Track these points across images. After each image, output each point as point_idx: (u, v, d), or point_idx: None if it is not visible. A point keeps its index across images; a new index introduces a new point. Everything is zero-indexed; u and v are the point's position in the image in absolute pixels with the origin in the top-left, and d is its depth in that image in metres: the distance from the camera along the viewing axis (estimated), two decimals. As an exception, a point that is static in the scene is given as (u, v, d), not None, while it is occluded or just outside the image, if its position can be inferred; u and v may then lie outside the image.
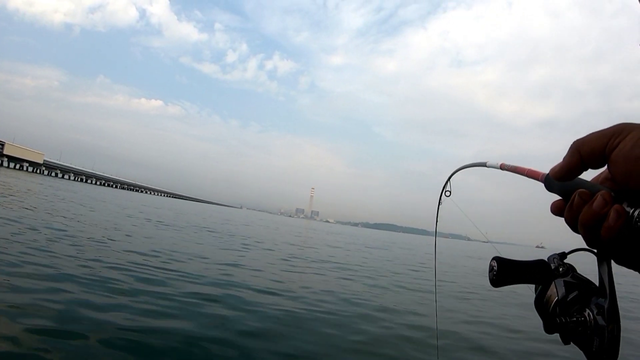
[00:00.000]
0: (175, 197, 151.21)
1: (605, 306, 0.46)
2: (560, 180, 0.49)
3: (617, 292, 0.47)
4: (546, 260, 0.56)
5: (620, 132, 0.43)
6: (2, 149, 68.43)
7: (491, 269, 0.56)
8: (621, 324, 0.45)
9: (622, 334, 0.45)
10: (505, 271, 0.55)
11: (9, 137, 71.23)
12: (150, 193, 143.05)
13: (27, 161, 75.64)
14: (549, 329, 0.51)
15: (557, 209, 0.51)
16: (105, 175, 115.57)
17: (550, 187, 0.54)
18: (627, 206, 0.41)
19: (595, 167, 0.47)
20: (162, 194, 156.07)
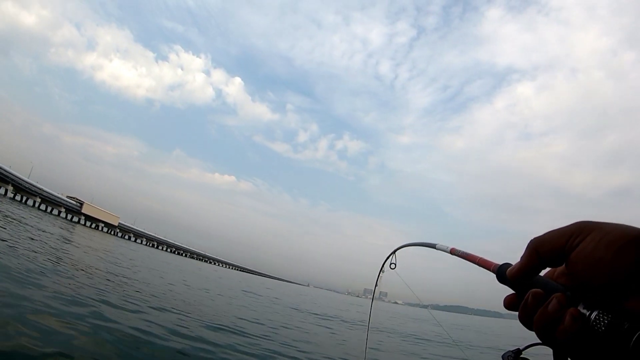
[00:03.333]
0: (243, 271, 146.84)
1: None
2: (517, 281, 0.49)
3: None
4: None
5: (580, 232, 0.43)
6: (81, 207, 68.93)
7: None
8: None
9: None
10: None
11: (87, 197, 72.90)
12: (219, 265, 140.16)
13: (103, 222, 75.76)
14: None
15: (510, 304, 0.50)
16: (176, 243, 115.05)
17: (502, 280, 0.53)
18: (583, 308, 0.41)
19: (553, 266, 0.47)
20: (231, 267, 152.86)
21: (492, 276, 0.56)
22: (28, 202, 55.68)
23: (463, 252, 0.70)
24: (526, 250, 0.47)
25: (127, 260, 21.97)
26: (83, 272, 11.03)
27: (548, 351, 0.46)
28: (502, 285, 0.54)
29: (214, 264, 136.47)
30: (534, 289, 0.45)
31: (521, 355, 0.50)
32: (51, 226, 27.46)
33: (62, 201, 65.31)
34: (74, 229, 39.39)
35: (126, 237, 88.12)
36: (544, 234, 0.46)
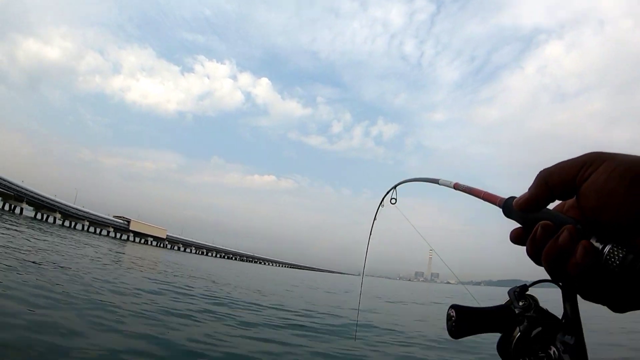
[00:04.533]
0: (293, 267, 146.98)
1: (572, 343, 0.42)
2: (525, 212, 0.46)
3: (584, 328, 0.43)
4: (510, 301, 0.50)
5: (592, 162, 0.40)
6: (129, 225, 70.16)
7: (449, 318, 0.49)
8: None
9: None
10: (465, 321, 0.48)
11: (133, 215, 74.23)
12: (271, 264, 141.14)
13: (151, 236, 77.02)
14: None
15: (516, 238, 0.47)
16: (224, 248, 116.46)
17: (509, 214, 0.51)
18: (596, 242, 0.39)
19: (563, 199, 0.44)
20: (281, 265, 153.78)
21: None
22: (77, 227, 57.19)
23: (467, 187, 0.67)
24: (535, 180, 0.44)
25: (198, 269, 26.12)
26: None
27: (556, 290, 0.44)
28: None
29: (265, 264, 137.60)
30: (543, 221, 0.42)
31: (527, 292, 0.48)
32: (113, 245, 29.29)
33: (110, 221, 66.88)
34: (125, 246, 40.96)
35: (175, 247, 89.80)
36: (554, 165, 0.43)
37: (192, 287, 13.43)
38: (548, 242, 0.41)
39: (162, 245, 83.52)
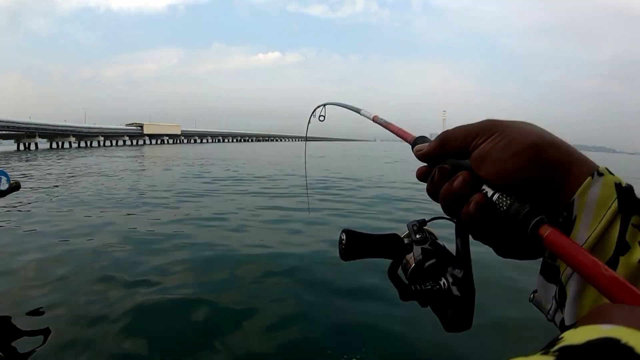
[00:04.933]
0: (311, 140, 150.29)
1: (460, 276, 0.46)
2: (421, 160, 0.50)
3: (474, 263, 0.46)
4: (401, 231, 0.53)
5: (484, 132, 0.43)
6: (142, 129, 72.68)
7: (340, 241, 0.51)
8: (477, 295, 0.45)
9: (477, 305, 0.45)
10: (354, 245, 0.51)
11: (145, 119, 75.80)
12: (287, 140, 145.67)
13: (166, 135, 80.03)
14: (404, 296, 0.49)
15: (421, 175, 0.50)
16: (239, 132, 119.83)
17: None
18: (488, 188, 0.42)
19: (459, 159, 0.47)
20: (297, 139, 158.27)
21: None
22: (93, 144, 60.31)
23: (384, 121, 0.69)
24: (436, 139, 0.48)
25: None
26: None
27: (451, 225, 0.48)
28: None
29: (283, 140, 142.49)
30: (441, 165, 0.46)
31: (425, 227, 0.52)
32: (126, 156, 29.30)
33: (123, 131, 69.44)
34: (142, 149, 42.84)
35: (191, 140, 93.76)
36: (454, 129, 0.46)
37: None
38: (444, 184, 0.45)
39: (178, 141, 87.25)
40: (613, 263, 0.34)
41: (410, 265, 0.49)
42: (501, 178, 0.41)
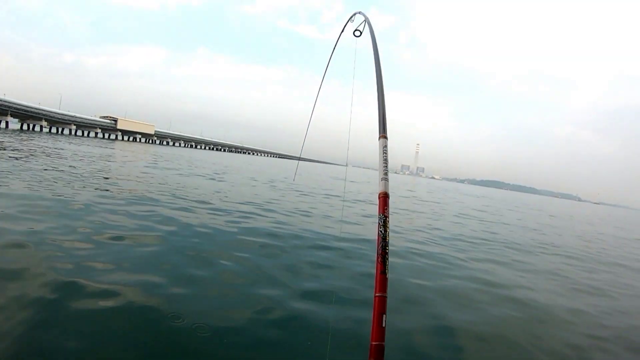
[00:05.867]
0: (282, 157, 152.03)
1: None
2: None
3: None
4: None
5: None
6: (116, 124, 71.75)
7: None
8: None
9: None
10: None
11: (121, 114, 74.77)
12: (258, 154, 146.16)
13: (139, 133, 79.14)
14: None
15: None
16: (213, 140, 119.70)
17: None
18: None
19: None
20: (269, 155, 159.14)
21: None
22: (64, 132, 59.07)
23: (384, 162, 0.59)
24: None
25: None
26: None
27: None
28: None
29: (253, 154, 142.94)
30: None
31: None
32: (95, 147, 29.72)
33: (97, 122, 68.30)
34: (114, 146, 41.73)
35: (164, 142, 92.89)
36: None
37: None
38: None
39: (150, 141, 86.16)
40: None
41: None
42: None
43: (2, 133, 33.03)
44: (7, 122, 46.59)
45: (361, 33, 1.27)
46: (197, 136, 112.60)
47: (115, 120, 73.76)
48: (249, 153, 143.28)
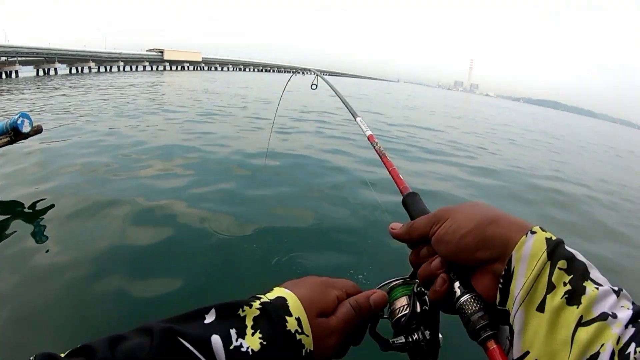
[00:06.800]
0: (333, 75, 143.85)
1: (428, 338, 0.52)
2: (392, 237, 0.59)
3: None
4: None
5: (437, 220, 0.52)
6: (162, 55, 68.65)
7: None
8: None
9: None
10: None
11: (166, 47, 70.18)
12: (307, 73, 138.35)
13: (187, 61, 75.97)
14: (385, 348, 0.54)
15: (397, 236, 0.58)
16: (261, 62, 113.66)
17: (405, 207, 0.63)
18: (457, 287, 0.49)
19: (425, 244, 0.55)
20: (324, 73, 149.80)
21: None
22: (113, 69, 56.95)
23: (380, 150, 0.67)
24: (404, 227, 0.57)
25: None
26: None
27: None
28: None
29: (305, 73, 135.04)
30: (428, 246, 0.54)
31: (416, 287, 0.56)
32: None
33: (143, 56, 65.29)
34: (163, 74, 42.44)
35: (212, 68, 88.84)
36: (418, 220, 0.56)
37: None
38: (425, 260, 0.53)
39: (198, 68, 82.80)
40: (542, 302, 0.40)
41: (403, 311, 0.54)
42: (453, 256, 0.50)
43: (59, 78, 31.91)
44: (56, 69, 44.94)
45: (317, 87, 1.52)
46: (245, 59, 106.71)
47: (162, 52, 70.22)
48: (300, 72, 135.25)
